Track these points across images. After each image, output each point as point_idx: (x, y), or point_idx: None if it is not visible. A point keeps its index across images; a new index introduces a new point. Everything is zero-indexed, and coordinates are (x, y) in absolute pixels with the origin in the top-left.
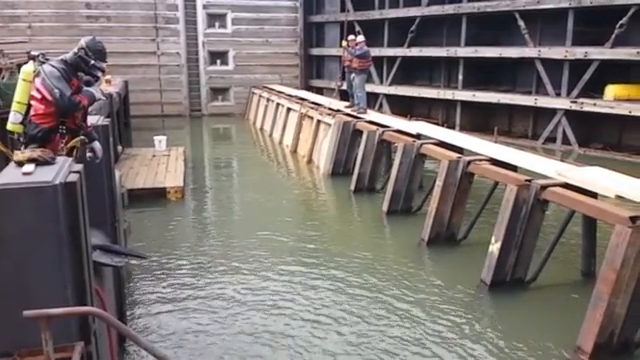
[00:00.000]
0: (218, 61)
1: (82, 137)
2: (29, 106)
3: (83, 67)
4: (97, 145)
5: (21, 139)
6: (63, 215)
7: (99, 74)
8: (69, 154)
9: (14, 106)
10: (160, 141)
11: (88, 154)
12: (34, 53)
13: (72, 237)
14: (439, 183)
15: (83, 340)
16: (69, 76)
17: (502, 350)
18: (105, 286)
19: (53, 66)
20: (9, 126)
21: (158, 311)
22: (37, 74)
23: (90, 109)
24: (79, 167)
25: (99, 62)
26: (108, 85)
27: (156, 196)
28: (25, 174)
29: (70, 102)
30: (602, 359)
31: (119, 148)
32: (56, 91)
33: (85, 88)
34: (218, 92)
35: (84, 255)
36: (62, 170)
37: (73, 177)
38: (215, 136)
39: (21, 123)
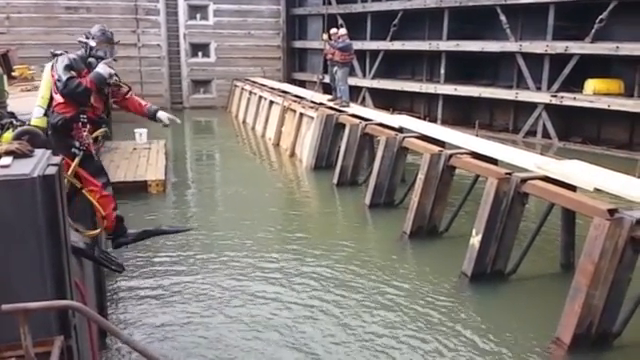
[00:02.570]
0: (200, 53)
1: (105, 129)
2: (52, 99)
3: (88, 53)
4: (162, 114)
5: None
6: (41, 208)
7: (101, 54)
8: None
9: (37, 101)
10: (141, 134)
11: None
12: (57, 52)
13: (51, 230)
14: (421, 176)
15: (63, 334)
16: (78, 65)
17: (482, 341)
18: (85, 280)
19: (66, 57)
20: (33, 121)
21: (140, 304)
22: (52, 67)
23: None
24: (57, 159)
25: (101, 44)
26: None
27: (137, 189)
28: (2, 167)
29: (68, 85)
30: (581, 350)
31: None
32: (56, 77)
33: (92, 72)
34: (200, 85)
35: (63, 248)
36: (40, 163)
37: (51, 170)
38: (197, 129)
39: (45, 115)
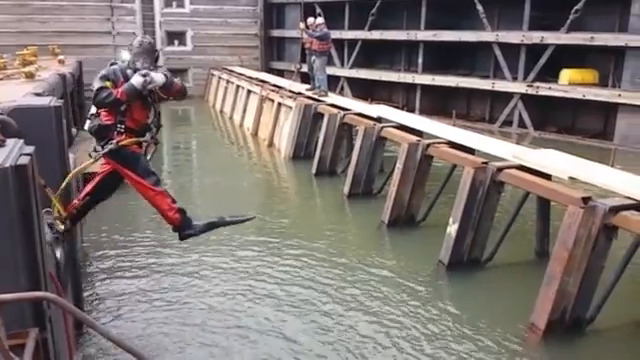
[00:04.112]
0: (176, 41)
1: (147, 138)
2: None
3: (127, 64)
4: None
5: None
6: (14, 199)
7: (138, 65)
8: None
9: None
10: None
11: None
12: (114, 62)
13: (24, 221)
14: (399, 166)
15: (38, 326)
16: (116, 75)
17: (459, 328)
18: (61, 271)
19: (106, 68)
20: (86, 127)
21: (116, 294)
22: None
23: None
24: (30, 149)
25: (138, 56)
26: (61, 65)
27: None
28: None
29: (98, 95)
30: (555, 335)
31: (73, 130)
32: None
33: (126, 83)
34: (176, 73)
35: (37, 239)
36: (12, 153)
37: (24, 160)
38: (173, 118)
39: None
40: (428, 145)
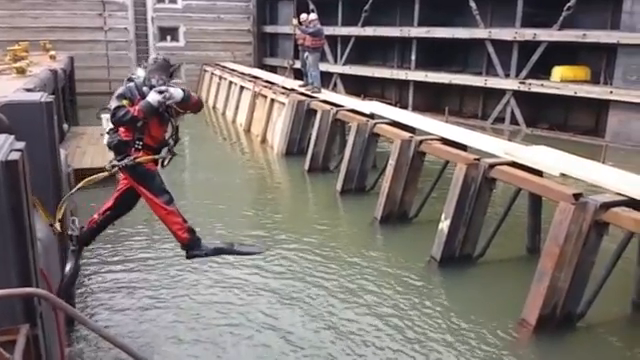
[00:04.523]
0: (168, 37)
1: (164, 155)
2: None
3: (142, 81)
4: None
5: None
6: (4, 195)
7: (154, 82)
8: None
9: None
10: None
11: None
12: (132, 76)
13: (15, 217)
14: (392, 162)
15: (28, 322)
16: (132, 93)
17: (451, 323)
18: (51, 267)
19: (123, 86)
20: (105, 142)
21: (108, 291)
22: None
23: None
24: (21, 145)
25: (153, 73)
26: (52, 61)
27: (104, 176)
28: None
29: (116, 114)
30: (546, 331)
31: (65, 126)
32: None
33: (142, 101)
34: None
35: (28, 236)
36: (3, 148)
37: (15, 155)
38: None
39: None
40: (421, 142)
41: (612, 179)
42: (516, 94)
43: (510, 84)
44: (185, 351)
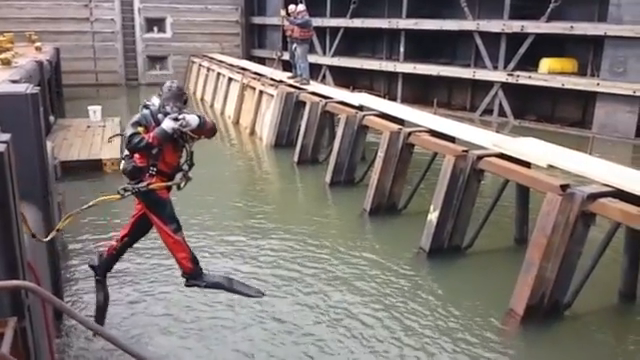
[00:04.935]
0: (155, 28)
1: (176, 181)
2: None
3: (157, 109)
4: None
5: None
6: None
7: (168, 109)
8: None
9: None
10: (95, 111)
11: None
12: (147, 103)
13: (1, 210)
14: (381, 154)
15: (16, 315)
16: (147, 120)
17: (439, 312)
18: (39, 261)
19: (138, 114)
20: (120, 167)
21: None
22: None
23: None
24: (6, 137)
25: (168, 100)
26: (38, 52)
27: (91, 168)
28: None
29: (131, 141)
30: (533, 320)
31: (51, 118)
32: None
33: (157, 128)
34: (156, 60)
35: (14, 228)
36: None
37: (0, 147)
38: None
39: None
40: (409, 133)
41: (599, 170)
42: (504, 86)
43: (498, 76)
44: (176, 342)
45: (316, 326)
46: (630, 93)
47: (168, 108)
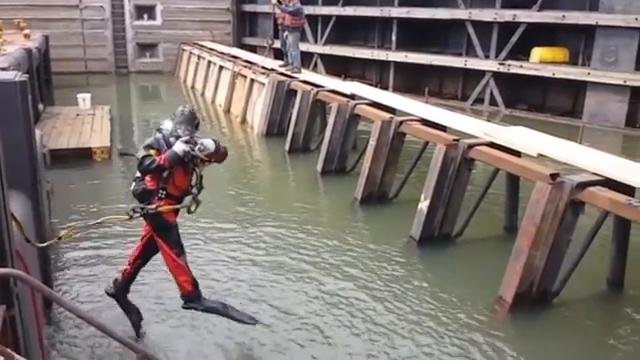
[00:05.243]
0: (145, 15)
1: (185, 203)
2: None
3: (169, 132)
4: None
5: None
6: None
7: (180, 133)
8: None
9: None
10: (84, 99)
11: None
12: (160, 127)
13: None
14: (372, 143)
15: (5, 304)
16: (159, 144)
17: (430, 301)
18: (28, 249)
19: (152, 137)
20: (131, 188)
21: (86, 273)
22: None
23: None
24: None
25: (180, 124)
26: (27, 40)
27: (81, 157)
28: None
29: (143, 163)
30: (522, 308)
31: (40, 106)
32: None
33: (168, 150)
34: (146, 48)
35: (2, 215)
36: None
37: None
38: (143, 94)
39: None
40: (401, 122)
41: (588, 159)
42: (495, 75)
43: (490, 65)
44: (171, 329)
45: (309, 312)
46: (621, 83)
47: (180, 131)
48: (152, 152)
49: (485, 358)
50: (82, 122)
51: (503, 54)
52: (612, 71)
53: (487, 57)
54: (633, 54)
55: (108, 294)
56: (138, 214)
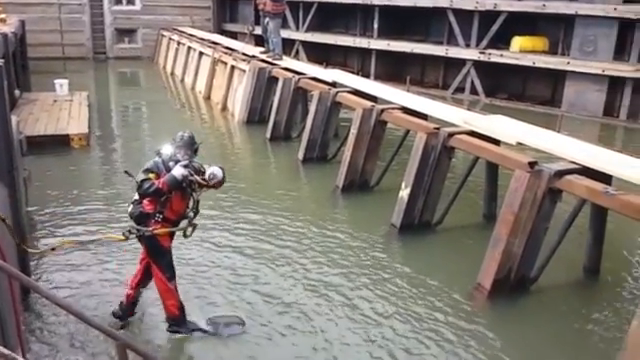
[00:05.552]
0: (124, 0)
1: (181, 226)
2: None
3: (169, 157)
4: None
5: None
6: None
7: (179, 157)
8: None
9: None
10: (61, 85)
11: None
12: (161, 150)
13: None
14: (353, 131)
15: None
16: (159, 167)
17: (409, 287)
18: (5, 238)
19: (151, 161)
20: (128, 210)
21: (64, 261)
22: None
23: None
24: None
25: (180, 149)
26: (2, 24)
27: (58, 144)
28: None
29: (142, 186)
30: (500, 295)
31: (16, 92)
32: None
33: (167, 174)
34: (124, 34)
35: None
36: None
37: None
38: (122, 81)
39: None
40: (382, 110)
41: (566, 148)
42: (476, 64)
43: (470, 54)
44: (150, 317)
45: (293, 296)
46: (599, 72)
47: (179, 156)
48: (151, 176)
49: (463, 343)
50: (59, 108)
51: (484, 43)
52: (591, 60)
53: (468, 46)
54: (612, 44)
55: (115, 316)
56: (134, 235)
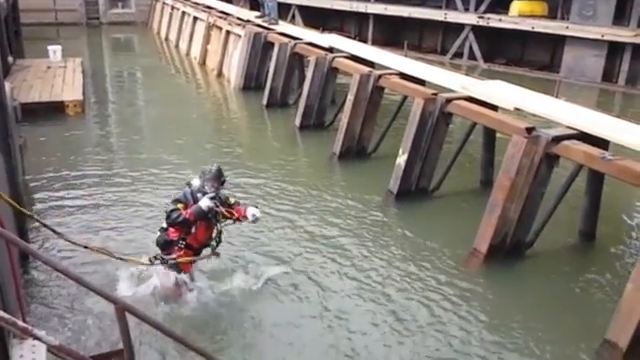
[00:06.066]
0: None
1: (203, 255)
2: None
3: (197, 188)
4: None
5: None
6: None
7: (206, 189)
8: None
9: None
10: (55, 51)
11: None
12: (191, 182)
13: None
14: (350, 97)
15: None
16: (187, 198)
17: (405, 253)
18: (2, 203)
19: (181, 192)
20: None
21: (61, 225)
22: None
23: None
24: None
25: (208, 182)
26: None
27: (53, 111)
28: None
29: (170, 216)
30: (496, 259)
31: (10, 59)
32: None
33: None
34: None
35: None
36: None
37: None
38: (116, 46)
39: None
40: (380, 76)
41: (564, 113)
42: (475, 29)
43: (469, 18)
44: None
45: (294, 256)
46: (598, 37)
47: (207, 188)
48: (180, 206)
49: (455, 303)
50: (53, 75)
51: (482, 7)
52: (590, 25)
53: (467, 10)
54: (611, 8)
55: None
56: (159, 262)
